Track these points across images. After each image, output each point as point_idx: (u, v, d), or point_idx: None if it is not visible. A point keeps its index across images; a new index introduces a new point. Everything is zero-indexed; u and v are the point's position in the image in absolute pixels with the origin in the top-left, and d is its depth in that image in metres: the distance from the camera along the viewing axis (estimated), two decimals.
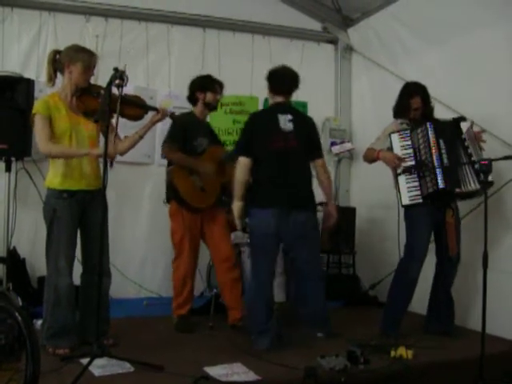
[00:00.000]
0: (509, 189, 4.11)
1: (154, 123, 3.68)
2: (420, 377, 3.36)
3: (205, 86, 4.32)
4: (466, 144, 3.83)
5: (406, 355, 3.42)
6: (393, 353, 3.45)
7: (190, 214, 4.18)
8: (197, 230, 4.25)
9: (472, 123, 3.94)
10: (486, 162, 3.30)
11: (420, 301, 4.27)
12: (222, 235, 4.31)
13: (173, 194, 4.18)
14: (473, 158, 3.80)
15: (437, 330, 4.03)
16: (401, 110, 4.12)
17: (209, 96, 4.33)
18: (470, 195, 3.91)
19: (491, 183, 3.73)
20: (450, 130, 3.89)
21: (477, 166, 3.73)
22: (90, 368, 3.00)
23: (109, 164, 3.13)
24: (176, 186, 4.14)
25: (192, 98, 4.38)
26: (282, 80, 3.90)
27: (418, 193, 3.87)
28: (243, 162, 3.77)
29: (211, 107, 4.41)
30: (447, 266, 4.04)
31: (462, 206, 4.11)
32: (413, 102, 4.04)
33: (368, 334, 3.86)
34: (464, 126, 3.90)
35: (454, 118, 3.99)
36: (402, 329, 3.98)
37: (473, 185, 3.79)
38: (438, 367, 3.46)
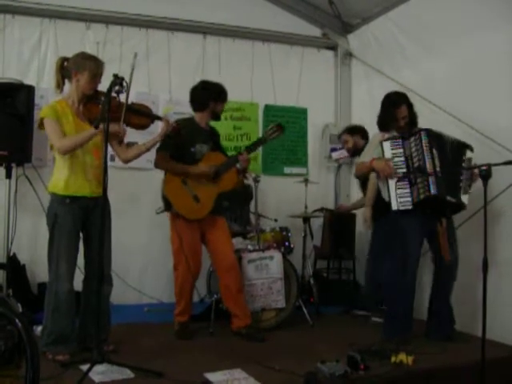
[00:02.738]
0: (509, 194, 4.10)
1: (162, 137, 3.69)
2: (420, 382, 3.36)
3: (220, 97, 4.26)
4: (464, 165, 3.89)
5: (406, 361, 3.41)
6: (393, 358, 3.44)
7: (186, 223, 4.11)
8: (195, 238, 4.18)
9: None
10: (486, 167, 3.31)
11: (420, 307, 4.26)
12: (225, 242, 4.24)
13: (166, 205, 4.14)
14: (461, 185, 3.87)
15: (437, 337, 4.02)
16: (388, 121, 4.10)
17: (220, 106, 4.29)
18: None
19: (463, 206, 3.91)
20: (452, 149, 3.91)
21: (466, 173, 3.85)
22: (90, 374, 3.01)
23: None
24: (168, 197, 4.10)
25: (201, 104, 4.26)
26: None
27: (409, 199, 3.86)
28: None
29: (217, 117, 4.35)
30: (444, 274, 4.04)
31: (463, 211, 4.11)
32: (400, 111, 4.04)
33: (369, 340, 3.85)
34: (469, 154, 3.95)
35: (463, 142, 3.99)
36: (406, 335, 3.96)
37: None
38: (438, 373, 3.44)
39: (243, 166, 4.27)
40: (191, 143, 4.18)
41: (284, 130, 4.37)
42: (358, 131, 5.15)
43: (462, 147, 3.97)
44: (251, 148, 4.31)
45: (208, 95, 4.24)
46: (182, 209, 4.09)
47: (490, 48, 4.23)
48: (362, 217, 4.89)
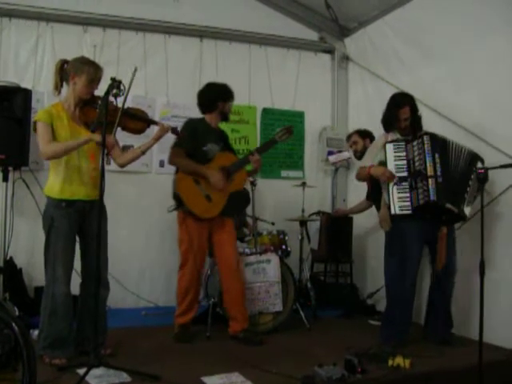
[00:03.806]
0: (505, 197, 4.11)
1: (156, 140, 3.67)
2: None
3: (227, 96, 4.30)
4: (472, 177, 3.84)
5: (403, 364, 3.41)
6: (390, 362, 3.44)
7: (196, 222, 4.12)
8: (204, 239, 4.19)
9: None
10: (483, 171, 3.32)
11: (418, 310, 4.26)
12: (230, 244, 4.25)
13: (178, 203, 4.14)
14: (466, 196, 3.84)
15: (434, 339, 4.03)
16: (390, 121, 4.08)
17: (227, 106, 4.32)
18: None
19: (464, 217, 3.88)
20: (458, 156, 3.88)
21: (474, 185, 3.80)
22: (87, 378, 2.99)
23: (105, 159, 3.22)
24: (180, 195, 4.10)
25: (209, 106, 4.29)
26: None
27: (409, 204, 3.85)
28: None
29: (226, 117, 4.38)
30: (442, 278, 4.03)
31: None
32: (402, 113, 4.02)
33: (366, 343, 3.84)
34: (479, 165, 3.90)
35: (474, 153, 3.95)
36: (403, 338, 3.97)
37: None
38: (435, 376, 3.44)
39: (254, 166, 4.29)
40: (203, 142, 4.20)
41: (293, 133, 4.44)
42: (369, 135, 5.12)
43: (473, 158, 3.92)
44: (262, 149, 4.35)
45: (216, 96, 4.27)
46: (194, 208, 4.08)
47: (488, 50, 4.24)
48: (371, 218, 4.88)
